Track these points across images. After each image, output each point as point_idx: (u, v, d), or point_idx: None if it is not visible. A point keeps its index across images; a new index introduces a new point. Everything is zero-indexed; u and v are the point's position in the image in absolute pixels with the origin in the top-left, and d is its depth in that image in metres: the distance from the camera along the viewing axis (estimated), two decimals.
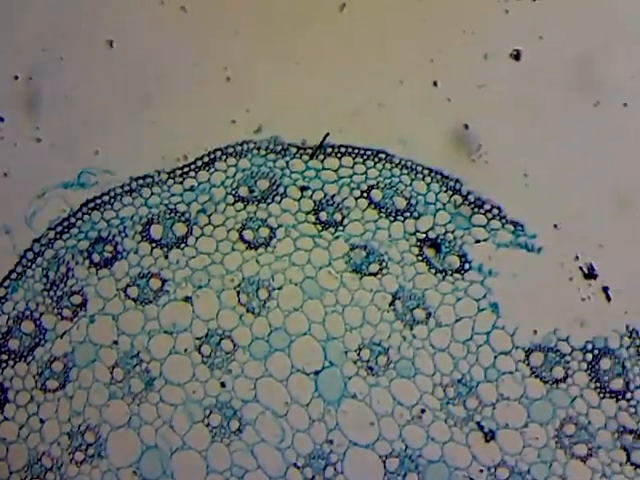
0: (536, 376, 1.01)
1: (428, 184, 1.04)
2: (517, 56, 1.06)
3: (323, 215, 1.04)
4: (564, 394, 1.01)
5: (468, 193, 1.04)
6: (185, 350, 1.03)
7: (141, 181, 1.06)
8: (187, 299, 1.04)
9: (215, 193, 1.05)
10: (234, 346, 1.03)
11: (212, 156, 1.06)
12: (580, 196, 1.04)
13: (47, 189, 1.06)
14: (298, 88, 1.07)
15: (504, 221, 1.03)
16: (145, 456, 1.02)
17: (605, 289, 1.02)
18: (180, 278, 1.04)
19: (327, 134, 1.06)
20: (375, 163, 1.05)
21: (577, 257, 1.03)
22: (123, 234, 1.05)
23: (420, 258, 1.03)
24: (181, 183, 1.06)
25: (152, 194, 1.06)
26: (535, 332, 1.02)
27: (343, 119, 1.06)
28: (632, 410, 1.00)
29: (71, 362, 1.03)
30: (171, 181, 1.06)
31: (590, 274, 1.02)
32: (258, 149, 1.06)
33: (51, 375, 1.03)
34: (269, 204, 1.05)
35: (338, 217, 1.04)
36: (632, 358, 1.00)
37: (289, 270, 1.04)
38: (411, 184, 1.05)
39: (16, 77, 1.08)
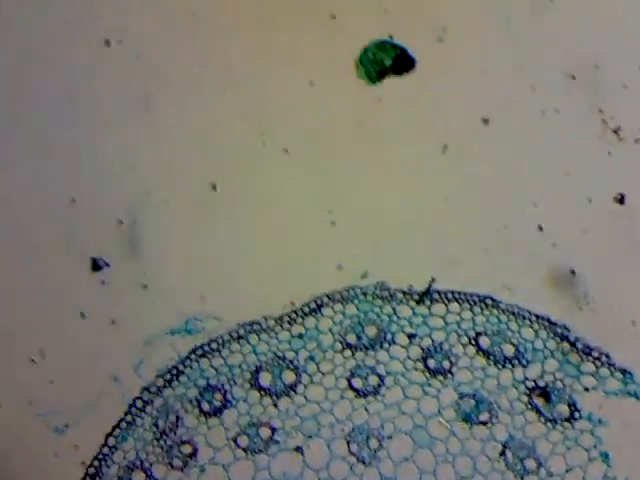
0: None
1: (536, 331, 1.05)
2: (621, 200, 1.07)
3: (431, 362, 1.05)
4: None
5: (576, 340, 1.04)
6: None
7: (248, 327, 1.06)
8: (298, 449, 1.04)
9: (323, 340, 1.06)
10: None
11: (319, 302, 1.06)
12: None
13: (154, 336, 1.06)
14: None
15: (613, 369, 1.04)
16: None
17: None
18: (290, 427, 1.04)
19: (433, 279, 1.06)
20: (482, 309, 1.05)
21: None
22: (232, 382, 1.05)
23: (530, 407, 1.04)
24: (289, 330, 1.06)
25: (260, 341, 1.06)
26: None
27: (446, 266, 1.06)
28: None
29: None
30: (278, 327, 1.06)
31: None
32: (365, 294, 1.06)
33: None
34: (377, 351, 1.05)
35: (447, 365, 1.05)
36: None
37: (399, 419, 1.04)
38: (519, 331, 1.05)
39: (121, 221, 1.08)
